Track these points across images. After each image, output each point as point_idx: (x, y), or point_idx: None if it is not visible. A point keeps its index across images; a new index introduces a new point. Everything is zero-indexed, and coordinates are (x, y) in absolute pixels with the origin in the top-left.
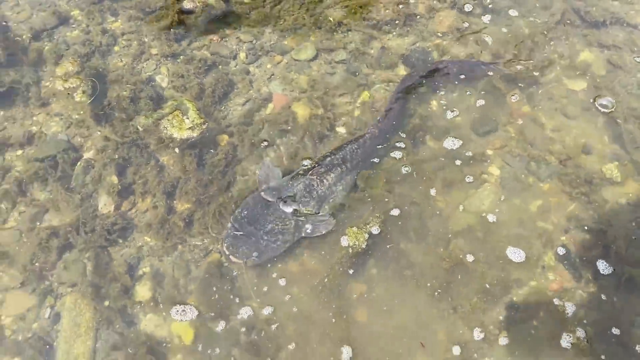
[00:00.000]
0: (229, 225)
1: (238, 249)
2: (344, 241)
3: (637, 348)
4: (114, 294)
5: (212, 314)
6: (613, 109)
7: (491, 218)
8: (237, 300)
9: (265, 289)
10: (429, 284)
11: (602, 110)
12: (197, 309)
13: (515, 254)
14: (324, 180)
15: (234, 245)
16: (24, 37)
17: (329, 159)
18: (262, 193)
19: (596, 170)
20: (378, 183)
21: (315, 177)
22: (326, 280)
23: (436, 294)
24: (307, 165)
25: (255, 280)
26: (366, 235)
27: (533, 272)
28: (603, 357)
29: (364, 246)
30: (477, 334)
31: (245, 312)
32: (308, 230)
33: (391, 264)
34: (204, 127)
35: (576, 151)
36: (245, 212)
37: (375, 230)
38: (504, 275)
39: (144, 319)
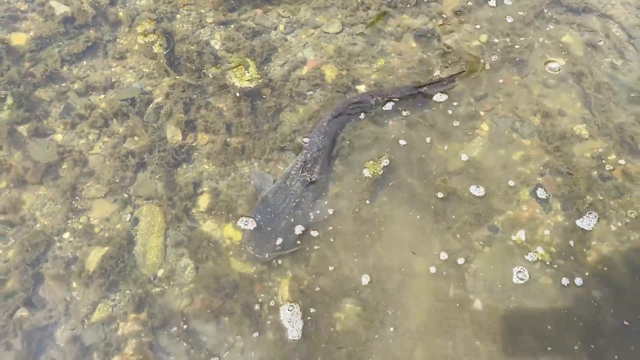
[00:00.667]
0: (247, 231)
1: (263, 247)
2: (366, 172)
3: (588, 257)
4: (180, 205)
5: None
6: (559, 72)
7: (479, 162)
8: None
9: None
10: (428, 209)
11: (551, 72)
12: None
13: (498, 190)
14: (314, 172)
15: (259, 245)
16: (102, 3)
17: (309, 154)
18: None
19: (568, 129)
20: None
21: (307, 173)
22: (357, 209)
23: (434, 216)
24: (296, 166)
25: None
26: (382, 165)
27: (510, 204)
28: (561, 262)
29: (380, 173)
30: (464, 245)
31: None
32: (312, 219)
33: (398, 192)
34: (259, 81)
35: (553, 114)
36: (260, 217)
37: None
38: (487, 205)
39: (203, 224)
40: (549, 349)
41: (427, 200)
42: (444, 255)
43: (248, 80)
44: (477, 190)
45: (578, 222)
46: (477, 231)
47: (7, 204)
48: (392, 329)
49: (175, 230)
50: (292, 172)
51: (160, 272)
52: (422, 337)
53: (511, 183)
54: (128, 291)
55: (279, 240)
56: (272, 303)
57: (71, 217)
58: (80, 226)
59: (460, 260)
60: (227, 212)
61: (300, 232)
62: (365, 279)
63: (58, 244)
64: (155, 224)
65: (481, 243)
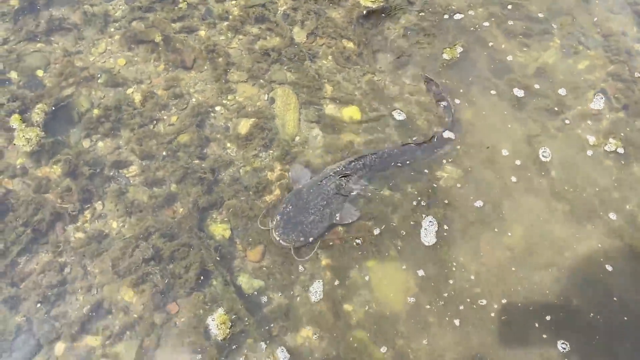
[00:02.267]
0: (278, 218)
1: (288, 235)
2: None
3: None
4: (308, 90)
5: (374, 108)
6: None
7: (552, 67)
8: (388, 101)
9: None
10: (509, 99)
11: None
12: (359, 105)
13: (568, 90)
14: (350, 181)
15: (285, 232)
16: None
17: (353, 163)
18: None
19: (630, 46)
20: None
21: (343, 179)
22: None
23: (514, 105)
24: (337, 169)
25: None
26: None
27: (579, 100)
28: (621, 148)
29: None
30: (540, 131)
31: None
32: (337, 218)
33: (482, 87)
34: (381, 3)
35: (617, 33)
36: (290, 207)
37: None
38: (558, 100)
39: (326, 107)
40: (608, 207)
41: (509, 93)
42: (525, 138)
43: (372, 2)
44: (552, 89)
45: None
46: (553, 121)
47: (169, 81)
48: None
49: (307, 110)
50: (331, 174)
51: (297, 139)
52: (511, 193)
53: (579, 85)
54: (272, 151)
55: (304, 233)
56: None
57: (221, 95)
58: (229, 102)
59: (538, 139)
60: (345, 99)
61: (325, 229)
62: None
63: (212, 115)
64: (291, 102)
65: (555, 129)
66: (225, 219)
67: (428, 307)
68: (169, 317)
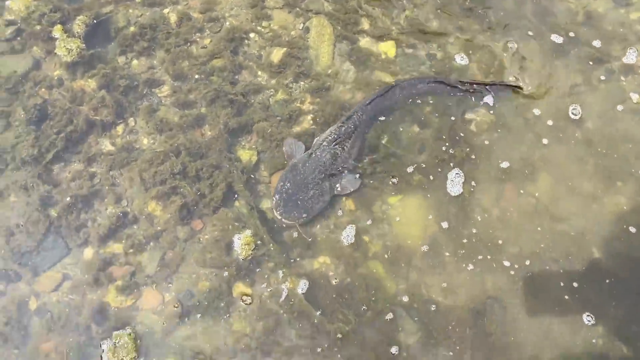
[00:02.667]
0: (277, 196)
1: (290, 213)
2: None
3: None
4: (344, 22)
5: (410, 44)
6: None
7: (601, 16)
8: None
9: None
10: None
11: None
12: (397, 40)
13: (617, 41)
14: (345, 147)
15: (286, 211)
16: None
17: (343, 128)
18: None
19: None
20: None
21: (338, 146)
22: None
23: (556, 52)
24: (329, 137)
25: None
26: None
27: (626, 53)
28: None
29: None
30: (581, 81)
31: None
32: (339, 189)
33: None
34: None
35: None
36: (288, 185)
37: None
38: (606, 52)
39: (361, 41)
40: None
41: (552, 39)
42: (565, 87)
43: None
44: (597, 43)
45: None
46: (596, 71)
47: (205, 4)
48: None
49: (341, 43)
50: (324, 144)
51: (329, 71)
52: (542, 144)
53: (629, 38)
54: (303, 82)
55: (305, 209)
56: None
57: (256, 20)
58: (263, 29)
59: (577, 90)
60: (382, 34)
61: (326, 203)
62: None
63: (246, 41)
64: (325, 34)
65: (597, 81)
66: (253, 146)
67: (446, 246)
68: (193, 234)
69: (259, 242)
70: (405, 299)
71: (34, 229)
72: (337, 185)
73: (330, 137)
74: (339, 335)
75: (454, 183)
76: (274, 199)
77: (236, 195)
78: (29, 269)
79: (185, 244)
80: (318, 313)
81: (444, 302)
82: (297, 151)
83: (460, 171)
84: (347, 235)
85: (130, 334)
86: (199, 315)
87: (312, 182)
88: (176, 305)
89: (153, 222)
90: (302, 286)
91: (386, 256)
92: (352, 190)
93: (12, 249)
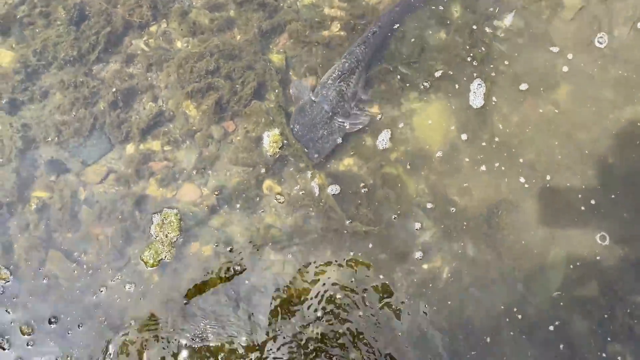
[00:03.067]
0: (287, 141)
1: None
2: None
3: None
4: None
5: None
6: None
7: None
8: None
9: None
10: None
11: None
12: None
13: None
14: (350, 83)
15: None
16: None
17: (347, 64)
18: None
19: None
20: None
21: (343, 83)
22: None
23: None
24: (333, 75)
25: None
26: None
27: None
28: None
29: None
30: None
31: None
32: (347, 127)
33: None
34: None
35: None
36: (298, 127)
37: None
38: None
39: None
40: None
41: None
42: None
43: None
44: None
45: None
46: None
47: None
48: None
49: None
50: (329, 82)
51: None
52: (565, 52)
53: None
54: None
55: (317, 150)
56: None
57: None
58: None
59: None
60: None
61: (339, 142)
62: None
63: None
64: None
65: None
66: (281, 50)
67: (465, 151)
68: (226, 134)
69: (285, 141)
70: (424, 198)
71: (79, 125)
72: (345, 123)
73: (334, 75)
74: (364, 231)
75: (476, 94)
76: (285, 142)
77: (267, 95)
78: (77, 162)
79: (219, 143)
80: (343, 211)
81: (460, 202)
82: (303, 92)
83: (482, 81)
84: (372, 138)
85: (177, 214)
86: (232, 208)
87: (320, 122)
88: (216, 193)
89: (188, 121)
90: (329, 185)
91: (407, 158)
92: (361, 126)
93: (60, 144)
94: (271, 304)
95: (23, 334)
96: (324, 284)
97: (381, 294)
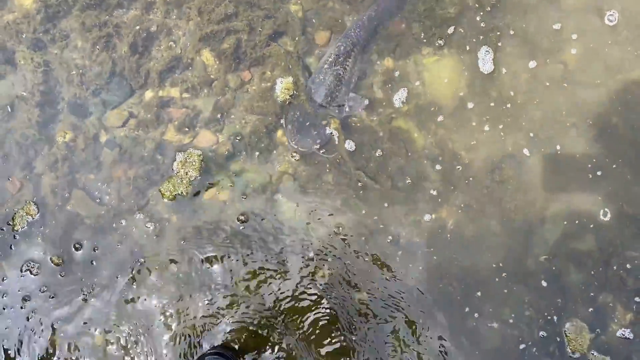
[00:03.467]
0: (289, 127)
1: (304, 141)
2: None
3: None
4: None
5: None
6: None
7: None
8: None
9: None
10: None
11: None
12: None
13: None
14: (346, 67)
15: (301, 139)
16: None
17: (342, 47)
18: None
19: None
20: None
21: (339, 66)
22: None
23: None
24: (329, 59)
25: None
26: None
27: None
28: None
29: None
30: None
31: None
32: (347, 110)
33: None
34: None
35: None
36: (298, 113)
37: None
38: None
39: None
40: None
41: None
42: None
43: None
44: None
45: None
46: None
47: None
48: None
49: None
50: (325, 66)
51: None
52: (573, 11)
53: None
54: None
55: (319, 135)
56: None
57: None
58: None
59: None
60: None
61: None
62: None
63: None
64: None
65: None
66: (298, 1)
67: (473, 107)
68: (242, 84)
69: (295, 92)
70: (431, 151)
71: (100, 69)
72: (344, 107)
73: (330, 59)
74: (373, 181)
75: (485, 60)
76: (287, 129)
77: (284, 41)
78: (99, 106)
79: (235, 92)
80: (354, 162)
81: (467, 156)
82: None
83: (489, 45)
84: (381, 89)
85: (199, 155)
86: (247, 155)
87: (320, 114)
88: (233, 137)
89: (206, 70)
90: (344, 138)
91: (417, 113)
92: (360, 109)
93: (82, 86)
94: (282, 248)
95: (54, 263)
96: (334, 229)
97: (387, 241)
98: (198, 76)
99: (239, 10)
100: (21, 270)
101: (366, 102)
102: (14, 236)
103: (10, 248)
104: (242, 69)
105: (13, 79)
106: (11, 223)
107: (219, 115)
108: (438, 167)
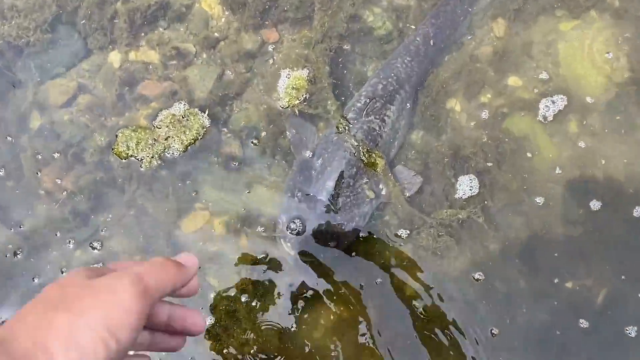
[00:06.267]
0: (283, 218)
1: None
2: None
3: None
4: None
5: None
6: None
7: None
8: None
9: None
10: None
11: None
12: None
13: None
14: (385, 118)
15: (299, 245)
16: None
17: (380, 86)
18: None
19: None
20: None
21: (372, 116)
22: None
23: None
24: (357, 104)
25: None
26: None
27: None
28: None
29: None
30: None
31: None
32: (384, 193)
33: None
34: None
35: None
36: (299, 194)
37: None
38: None
39: None
40: None
41: None
42: None
43: None
44: None
45: None
46: None
47: None
48: None
49: None
50: (351, 115)
51: None
52: None
53: None
54: None
55: (332, 235)
56: None
57: None
58: None
59: None
60: None
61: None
62: None
63: None
64: None
65: None
66: None
67: None
68: (264, 46)
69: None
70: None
71: (38, 14)
72: (382, 190)
73: (359, 104)
74: None
75: None
76: (281, 220)
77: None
78: (30, 72)
79: (252, 61)
80: None
81: None
82: (307, 136)
83: None
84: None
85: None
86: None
87: (338, 186)
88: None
89: (208, 23)
90: None
91: None
92: (413, 192)
93: (8, 42)
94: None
95: None
96: None
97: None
98: (195, 32)
99: None
100: None
101: (420, 180)
102: None
103: None
104: (268, 25)
105: None
106: None
107: (222, 97)
108: None
